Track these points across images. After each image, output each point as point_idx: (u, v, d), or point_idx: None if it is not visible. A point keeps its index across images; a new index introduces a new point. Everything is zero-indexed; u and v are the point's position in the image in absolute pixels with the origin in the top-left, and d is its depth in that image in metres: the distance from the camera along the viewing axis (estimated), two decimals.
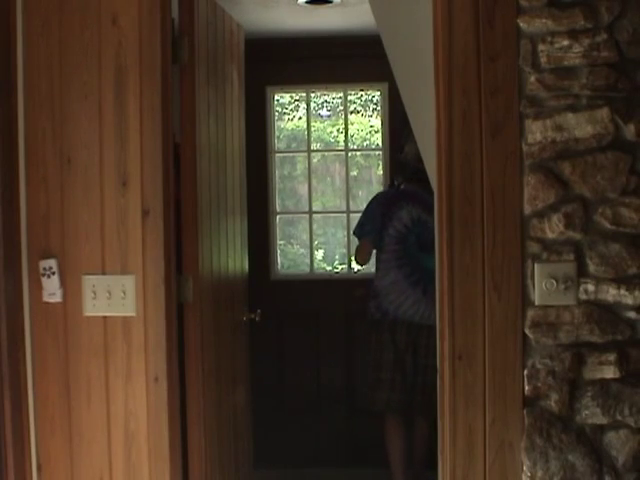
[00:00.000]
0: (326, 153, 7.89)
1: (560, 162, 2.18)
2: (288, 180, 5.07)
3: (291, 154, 5.14)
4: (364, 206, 4.58)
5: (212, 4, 3.28)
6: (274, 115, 4.66)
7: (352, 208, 5.06)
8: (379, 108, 4.53)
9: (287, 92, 4.65)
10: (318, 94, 5.28)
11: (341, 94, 5.21)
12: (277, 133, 4.71)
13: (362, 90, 4.46)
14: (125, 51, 2.52)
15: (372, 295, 4.28)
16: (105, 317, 2.56)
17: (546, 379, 2.19)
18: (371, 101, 13.69)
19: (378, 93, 4.34)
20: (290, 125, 5.62)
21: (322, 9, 4.27)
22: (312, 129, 4.65)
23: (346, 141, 4.86)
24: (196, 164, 2.98)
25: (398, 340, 4.20)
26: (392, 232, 4.21)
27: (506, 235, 2.21)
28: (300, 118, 4.58)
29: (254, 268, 4.23)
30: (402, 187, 4.37)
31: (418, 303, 4.18)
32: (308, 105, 4.59)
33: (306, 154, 5.02)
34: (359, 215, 4.45)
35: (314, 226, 5.36)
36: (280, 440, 4.67)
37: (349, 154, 5.04)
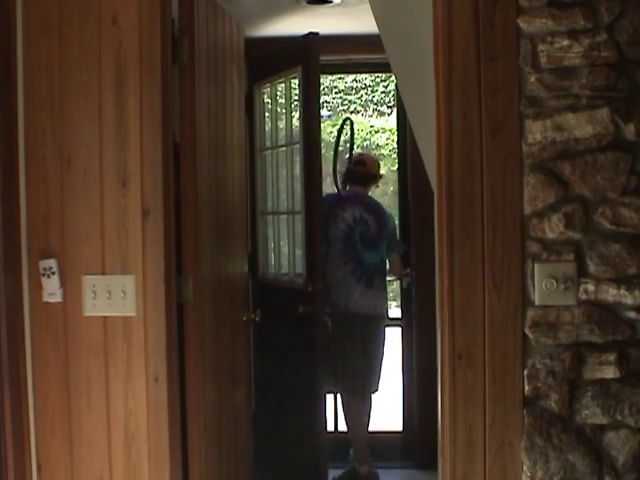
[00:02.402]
0: (326, 153, 7.85)
1: (560, 162, 2.18)
2: (279, 180, 5.01)
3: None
4: None
5: (212, 4, 3.29)
6: (263, 113, 4.64)
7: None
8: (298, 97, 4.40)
9: (263, 88, 4.58)
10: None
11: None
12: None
13: (291, 77, 4.35)
14: (125, 51, 2.52)
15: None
16: (105, 317, 2.56)
17: (546, 379, 2.19)
18: (371, 101, 13.65)
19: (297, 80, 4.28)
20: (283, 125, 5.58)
21: (322, 9, 4.27)
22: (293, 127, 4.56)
23: (290, 135, 4.53)
24: (196, 164, 2.98)
25: (349, 331, 4.65)
26: (337, 232, 4.69)
27: (506, 235, 2.21)
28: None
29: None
30: (347, 189, 4.94)
31: (363, 296, 4.65)
32: (273, 99, 4.55)
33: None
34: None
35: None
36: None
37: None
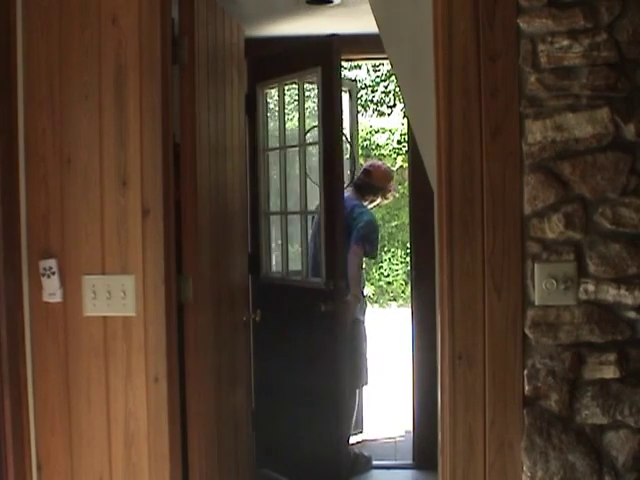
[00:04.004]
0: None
1: (560, 162, 2.18)
2: (287, 180, 5.03)
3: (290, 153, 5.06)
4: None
5: (212, 4, 3.29)
6: (265, 113, 4.63)
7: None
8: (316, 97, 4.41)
9: (268, 88, 4.58)
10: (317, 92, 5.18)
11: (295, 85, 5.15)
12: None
13: (307, 78, 4.36)
14: (125, 51, 2.52)
15: None
16: (105, 317, 2.56)
17: (546, 379, 2.19)
18: (371, 101, 13.60)
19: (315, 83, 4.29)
20: (289, 125, 5.59)
21: (322, 9, 4.27)
22: (306, 127, 4.54)
23: (302, 136, 4.50)
24: (196, 164, 2.98)
25: None
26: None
27: (506, 235, 2.21)
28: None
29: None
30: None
31: None
32: (281, 99, 4.55)
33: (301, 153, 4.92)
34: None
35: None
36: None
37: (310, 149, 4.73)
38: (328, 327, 4.16)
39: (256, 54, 4.43)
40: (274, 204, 4.64)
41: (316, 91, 4.34)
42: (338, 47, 4.14)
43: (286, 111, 4.60)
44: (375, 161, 6.01)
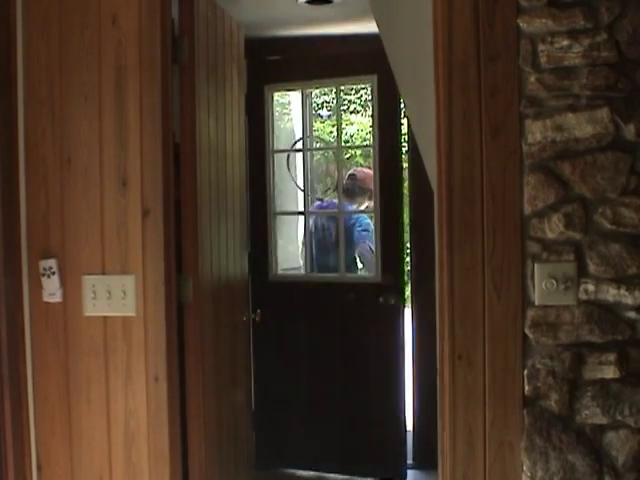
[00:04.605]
0: (326, 153, 7.85)
1: (560, 162, 2.18)
2: (289, 180, 5.07)
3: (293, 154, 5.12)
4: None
5: (212, 4, 3.29)
6: (273, 114, 4.64)
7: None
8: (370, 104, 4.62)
9: (284, 90, 4.61)
10: (317, 92, 5.27)
11: (333, 89, 5.27)
12: (277, 133, 4.67)
13: (354, 84, 4.49)
14: (125, 51, 2.52)
15: None
16: (105, 317, 2.56)
17: (546, 379, 2.19)
18: (371, 101, 13.52)
19: (369, 85, 4.39)
20: (290, 125, 5.61)
21: (322, 9, 4.27)
22: (312, 129, 4.62)
23: (339, 139, 4.84)
24: (196, 164, 2.98)
25: None
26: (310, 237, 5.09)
27: (506, 235, 2.21)
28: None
29: (253, 269, 4.28)
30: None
31: None
32: (303, 103, 4.58)
33: (306, 153, 4.99)
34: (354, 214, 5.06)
35: None
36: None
37: (346, 153, 5.00)
38: (392, 318, 4.46)
39: (283, 55, 4.51)
40: (287, 204, 4.73)
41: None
42: None
43: (281, 114, 4.67)
44: (358, 168, 6.43)
